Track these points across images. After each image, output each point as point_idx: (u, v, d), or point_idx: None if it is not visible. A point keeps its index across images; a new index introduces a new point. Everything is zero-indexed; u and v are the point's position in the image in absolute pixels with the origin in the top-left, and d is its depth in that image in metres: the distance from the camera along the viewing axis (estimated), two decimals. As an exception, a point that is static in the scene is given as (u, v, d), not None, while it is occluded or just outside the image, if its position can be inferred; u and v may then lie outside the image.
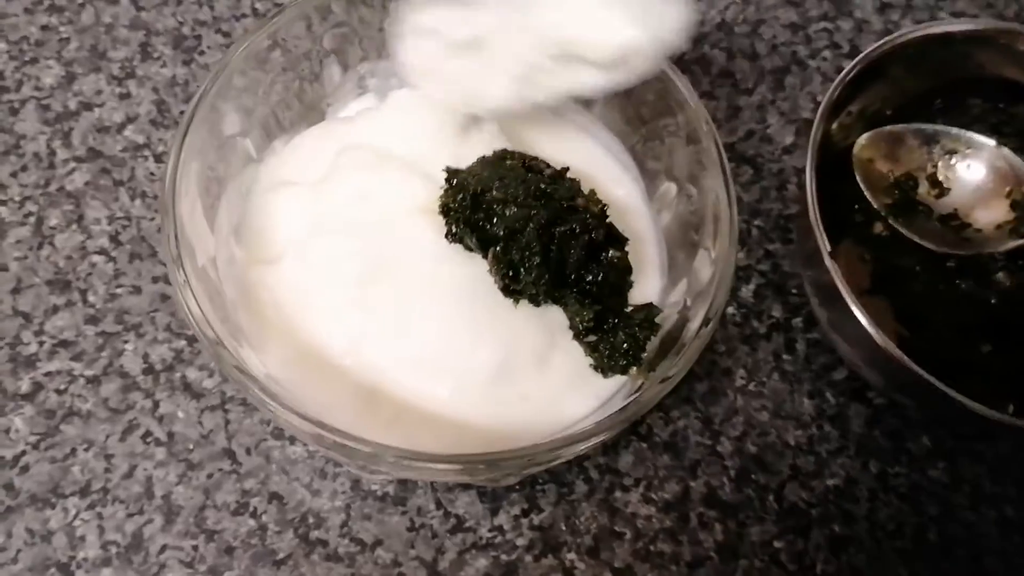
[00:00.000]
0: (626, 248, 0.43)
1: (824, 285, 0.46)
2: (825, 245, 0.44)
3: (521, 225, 0.39)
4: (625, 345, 0.41)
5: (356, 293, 0.41)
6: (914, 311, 0.48)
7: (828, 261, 0.44)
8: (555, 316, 0.42)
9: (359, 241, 0.41)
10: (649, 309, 0.43)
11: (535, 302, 0.41)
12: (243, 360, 0.37)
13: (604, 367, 0.42)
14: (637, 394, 0.39)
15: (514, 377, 0.41)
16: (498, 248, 0.40)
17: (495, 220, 0.40)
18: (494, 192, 0.40)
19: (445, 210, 0.41)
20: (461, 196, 0.40)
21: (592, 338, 0.42)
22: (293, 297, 0.41)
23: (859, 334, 0.44)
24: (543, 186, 0.41)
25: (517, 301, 0.41)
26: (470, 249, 0.41)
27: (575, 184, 0.42)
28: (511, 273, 0.40)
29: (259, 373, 0.37)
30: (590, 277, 0.41)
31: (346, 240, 0.41)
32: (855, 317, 0.43)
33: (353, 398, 0.39)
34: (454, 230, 0.41)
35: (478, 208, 0.40)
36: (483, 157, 0.42)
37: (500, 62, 0.42)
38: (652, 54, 0.41)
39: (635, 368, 0.42)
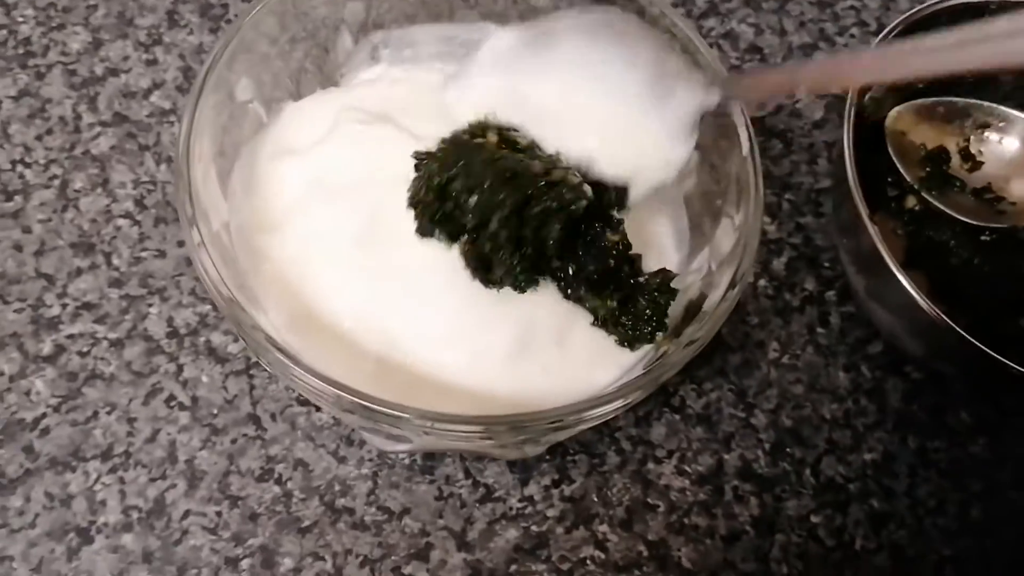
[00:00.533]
0: (619, 225, 0.41)
1: (863, 253, 0.45)
2: (865, 209, 0.44)
3: (488, 215, 0.37)
4: (648, 312, 0.40)
5: (358, 258, 0.39)
6: (949, 285, 0.47)
7: (869, 225, 0.43)
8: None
9: (356, 203, 0.40)
10: (664, 274, 0.41)
11: (519, 288, 0.39)
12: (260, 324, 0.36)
13: (630, 339, 0.40)
14: (662, 359, 0.38)
15: (532, 352, 0.39)
16: (467, 241, 0.38)
17: (462, 211, 0.38)
18: (458, 181, 0.38)
19: (414, 203, 0.39)
20: (424, 191, 0.38)
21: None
22: (298, 265, 0.40)
23: (901, 301, 0.43)
24: (513, 166, 0.38)
25: (499, 288, 0.39)
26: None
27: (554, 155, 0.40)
28: (485, 265, 0.38)
29: (277, 337, 0.36)
30: (593, 266, 0.39)
31: (343, 203, 0.40)
32: (897, 283, 0.42)
33: (367, 369, 0.38)
34: (422, 226, 0.39)
35: (445, 199, 0.38)
36: (455, 134, 0.40)
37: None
38: (654, 182, 0.40)
39: (661, 335, 0.40)
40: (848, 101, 0.46)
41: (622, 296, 0.40)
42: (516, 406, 0.38)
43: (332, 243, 0.40)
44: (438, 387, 0.38)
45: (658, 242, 0.44)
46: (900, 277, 0.42)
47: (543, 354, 0.39)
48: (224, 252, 0.39)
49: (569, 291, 0.40)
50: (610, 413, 0.37)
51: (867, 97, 0.50)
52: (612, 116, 0.39)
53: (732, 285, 0.38)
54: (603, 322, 0.40)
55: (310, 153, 0.42)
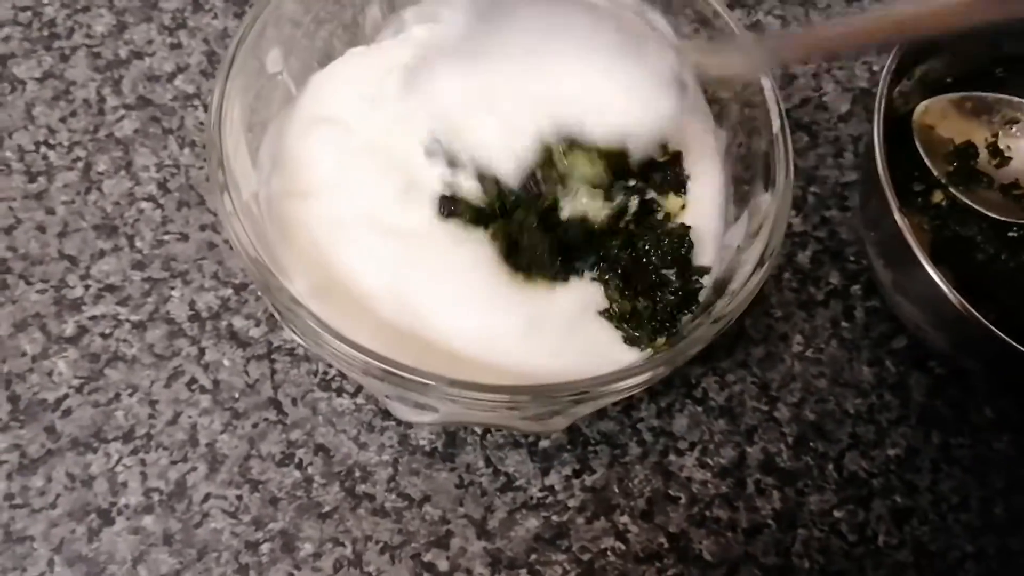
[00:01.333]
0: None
1: (891, 246, 0.44)
2: (895, 203, 0.43)
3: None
4: (648, 319, 0.40)
5: (387, 226, 0.39)
6: (975, 281, 0.47)
7: (899, 217, 0.43)
8: (588, 289, 0.41)
9: (388, 172, 0.40)
10: (691, 283, 0.41)
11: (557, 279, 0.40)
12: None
13: (632, 339, 0.40)
14: (688, 335, 0.38)
15: (545, 334, 0.39)
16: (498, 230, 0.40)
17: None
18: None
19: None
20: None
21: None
22: (326, 233, 0.40)
23: (928, 294, 0.42)
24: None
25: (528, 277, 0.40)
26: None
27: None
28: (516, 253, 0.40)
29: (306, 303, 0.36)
30: (648, 247, 0.40)
31: (375, 173, 0.41)
32: (926, 276, 0.42)
33: (385, 336, 0.38)
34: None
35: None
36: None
37: (506, 122, 0.40)
38: (646, 140, 0.39)
39: (662, 339, 0.40)
40: (878, 95, 0.46)
41: (638, 297, 0.40)
42: (533, 379, 0.38)
43: (361, 212, 0.40)
44: (456, 357, 0.38)
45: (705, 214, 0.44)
46: (929, 270, 0.42)
47: (555, 339, 0.39)
48: (254, 222, 0.38)
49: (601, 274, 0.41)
50: (635, 387, 0.37)
51: (896, 91, 0.49)
52: (590, 75, 0.39)
53: (761, 262, 0.38)
54: (610, 316, 0.40)
55: (339, 121, 0.42)
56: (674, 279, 0.41)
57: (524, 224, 0.39)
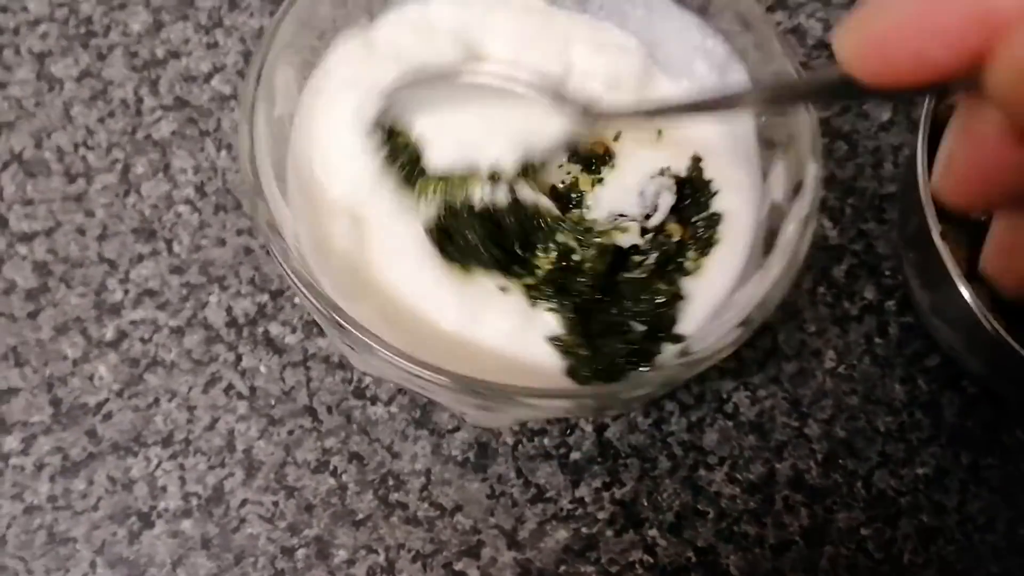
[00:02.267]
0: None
1: (929, 268, 0.44)
2: (936, 227, 0.43)
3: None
4: (596, 363, 0.39)
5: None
6: (1011, 299, 0.46)
7: (939, 241, 0.42)
8: (538, 313, 0.40)
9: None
10: (655, 344, 0.40)
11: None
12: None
13: (571, 371, 0.39)
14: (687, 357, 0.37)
15: (487, 333, 0.39)
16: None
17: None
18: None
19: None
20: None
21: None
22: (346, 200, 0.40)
23: (965, 320, 0.42)
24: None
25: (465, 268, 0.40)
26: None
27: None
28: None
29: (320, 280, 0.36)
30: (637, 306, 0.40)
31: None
32: (963, 302, 0.41)
33: (375, 315, 0.38)
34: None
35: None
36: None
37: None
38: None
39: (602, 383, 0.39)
40: (924, 110, 0.45)
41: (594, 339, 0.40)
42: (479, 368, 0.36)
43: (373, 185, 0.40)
44: (437, 341, 0.38)
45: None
46: (967, 297, 0.41)
47: (499, 338, 0.39)
48: (279, 145, 0.39)
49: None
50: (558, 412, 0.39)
51: (942, 104, 0.48)
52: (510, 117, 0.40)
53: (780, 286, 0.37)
54: (556, 344, 0.39)
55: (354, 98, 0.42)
56: (641, 337, 0.40)
57: (459, 208, 0.39)
